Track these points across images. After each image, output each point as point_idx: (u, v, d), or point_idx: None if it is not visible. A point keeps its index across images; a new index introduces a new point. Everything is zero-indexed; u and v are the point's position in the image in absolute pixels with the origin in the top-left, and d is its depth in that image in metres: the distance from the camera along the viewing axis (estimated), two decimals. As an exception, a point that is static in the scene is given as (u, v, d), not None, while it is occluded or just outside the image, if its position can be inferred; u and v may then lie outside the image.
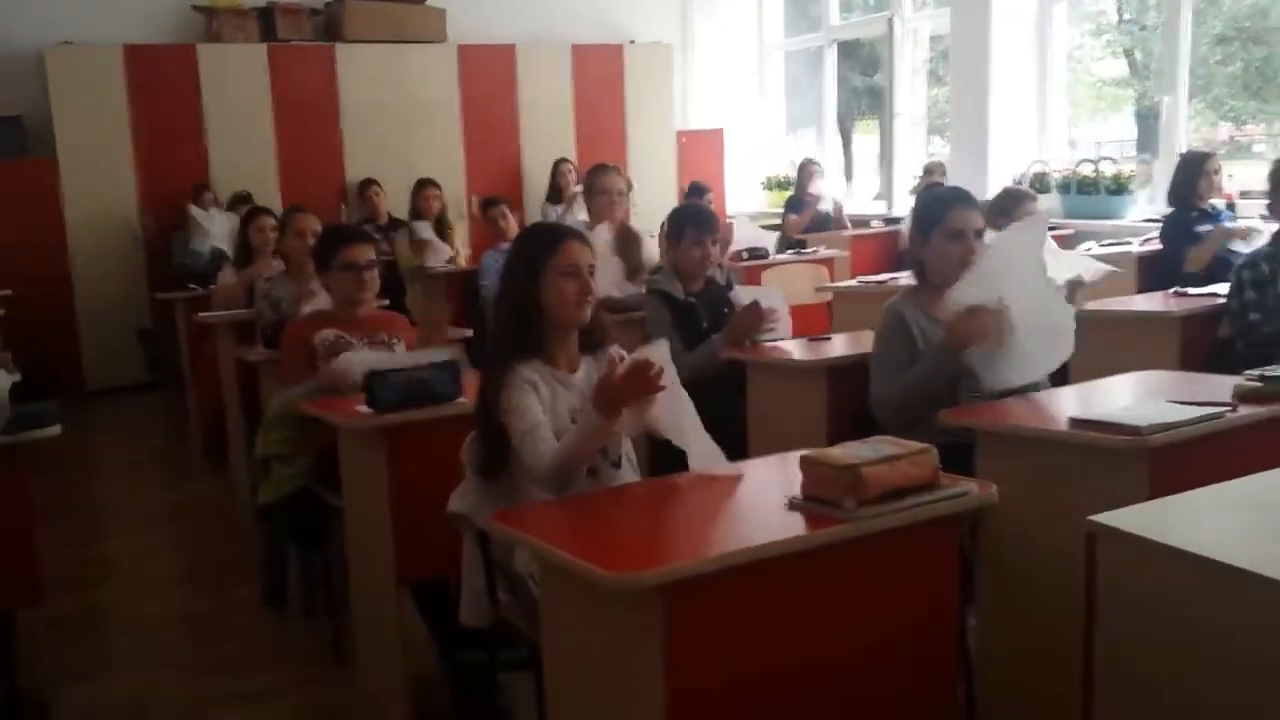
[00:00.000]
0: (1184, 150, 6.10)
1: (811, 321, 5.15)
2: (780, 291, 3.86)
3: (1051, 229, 5.67)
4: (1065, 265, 3.72)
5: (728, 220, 6.71)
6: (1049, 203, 6.61)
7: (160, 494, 5.45)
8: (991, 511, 2.25)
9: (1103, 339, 3.77)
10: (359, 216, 7.82)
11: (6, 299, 6.03)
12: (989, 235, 3.02)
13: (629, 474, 2.48)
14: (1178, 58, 6.65)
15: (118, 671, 3.36)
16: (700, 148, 9.49)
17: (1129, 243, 5.60)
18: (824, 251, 6.58)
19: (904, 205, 7.83)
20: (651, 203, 7.85)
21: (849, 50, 9.63)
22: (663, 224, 4.33)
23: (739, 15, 9.83)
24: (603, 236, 4.47)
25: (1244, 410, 2.41)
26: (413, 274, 6.48)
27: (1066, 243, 5.85)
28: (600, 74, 9.07)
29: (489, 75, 8.64)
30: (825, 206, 7.79)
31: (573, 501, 2.24)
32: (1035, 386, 2.84)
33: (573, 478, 2.28)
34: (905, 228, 6.82)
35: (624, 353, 2.48)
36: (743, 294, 3.79)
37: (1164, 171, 6.58)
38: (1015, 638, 2.52)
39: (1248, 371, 2.55)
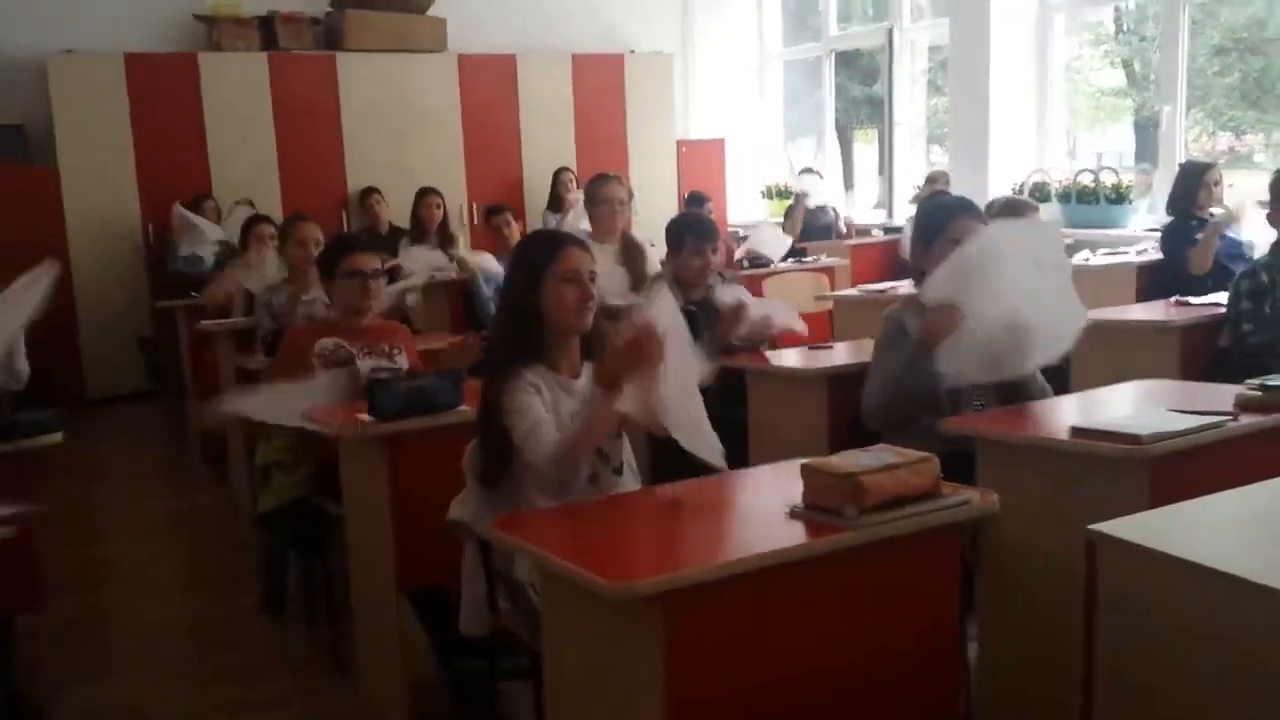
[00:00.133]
0: (1183, 160, 6.11)
1: (812, 330, 5.15)
2: (787, 305, 3.85)
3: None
4: None
5: (737, 230, 6.75)
6: (1049, 212, 6.62)
7: (161, 502, 5.45)
8: (992, 520, 2.26)
9: (1103, 348, 3.77)
10: (360, 225, 7.84)
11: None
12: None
13: (630, 481, 2.48)
14: (1176, 68, 6.66)
15: (117, 677, 3.36)
16: (700, 157, 9.51)
17: (1126, 252, 5.61)
18: (824, 260, 6.59)
19: (904, 214, 7.84)
20: (652, 212, 7.86)
21: (848, 60, 9.66)
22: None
23: (738, 25, 9.86)
24: (607, 248, 4.48)
25: (1245, 419, 2.41)
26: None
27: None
28: (601, 83, 9.09)
29: (489, 85, 8.66)
30: (827, 216, 7.81)
31: (573, 509, 2.24)
32: (1039, 393, 2.84)
33: (575, 470, 2.25)
34: (906, 236, 6.85)
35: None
36: (723, 294, 3.78)
37: (1163, 181, 6.59)
38: (1016, 646, 2.52)
39: (1249, 380, 2.56)
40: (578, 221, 6.12)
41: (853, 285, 6.11)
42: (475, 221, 8.33)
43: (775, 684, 1.85)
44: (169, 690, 3.25)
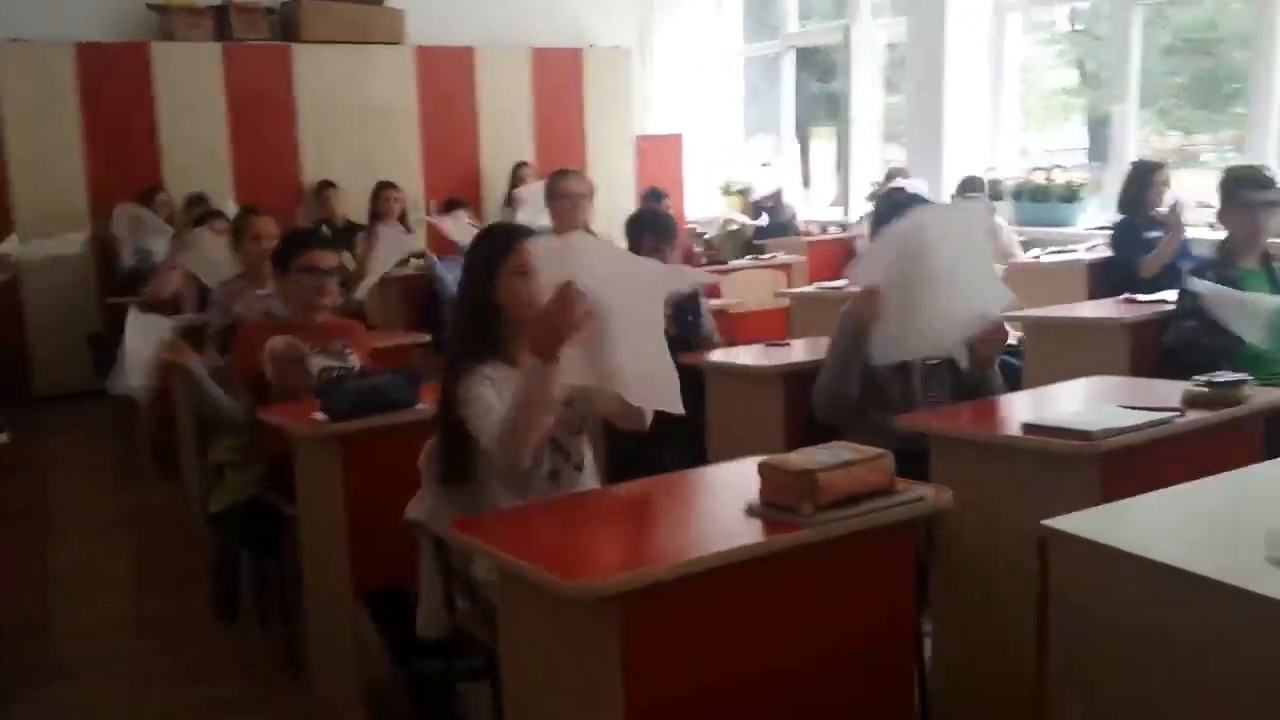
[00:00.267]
0: (1134, 159, 6.22)
1: (770, 327, 5.19)
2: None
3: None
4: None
5: (694, 226, 6.77)
6: (1003, 210, 6.70)
7: (111, 500, 5.36)
8: (946, 516, 2.28)
9: (1054, 345, 3.83)
10: (314, 218, 7.75)
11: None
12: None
13: (590, 479, 2.48)
14: (1127, 68, 6.77)
15: (70, 679, 3.30)
16: (659, 153, 9.50)
17: (1076, 249, 5.70)
18: (782, 257, 6.62)
19: (860, 211, 7.89)
20: (610, 207, 7.83)
21: (807, 57, 9.70)
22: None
23: (698, 21, 9.86)
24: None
25: (1192, 415, 2.46)
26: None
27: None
28: (559, 77, 9.06)
29: (448, 77, 8.60)
30: (784, 212, 7.85)
31: (531, 509, 2.24)
32: (991, 389, 2.88)
33: (523, 453, 2.22)
34: (864, 231, 6.89)
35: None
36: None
37: (1114, 180, 6.70)
38: (970, 642, 2.54)
39: (1196, 377, 2.60)
40: (536, 217, 6.11)
41: (810, 282, 6.15)
42: (432, 215, 8.27)
43: (733, 682, 1.86)
44: (121, 693, 3.20)
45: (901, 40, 8.01)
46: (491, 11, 8.86)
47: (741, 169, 9.22)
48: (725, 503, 2.05)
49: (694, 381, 3.61)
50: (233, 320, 4.07)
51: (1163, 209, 5.10)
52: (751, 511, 1.96)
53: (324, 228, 7.03)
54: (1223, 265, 3.83)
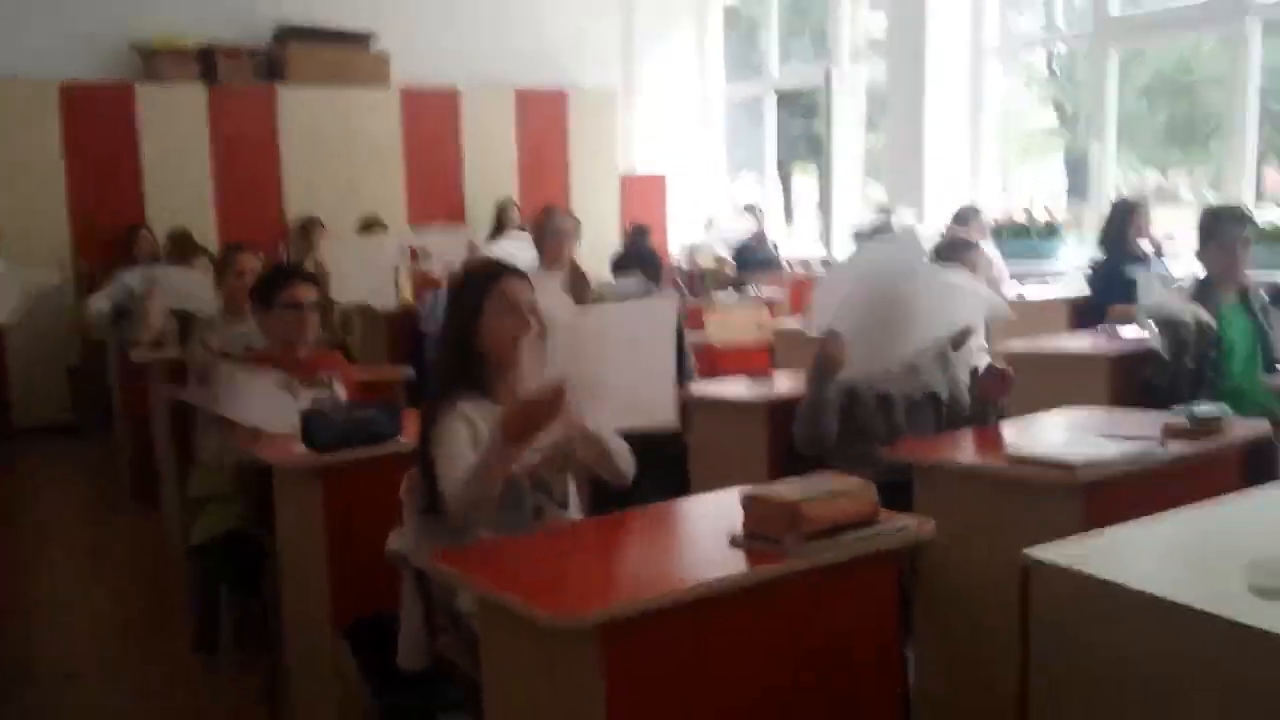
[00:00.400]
0: (1114, 197, 6.29)
1: (753, 361, 5.18)
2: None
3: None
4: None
5: (679, 264, 6.81)
6: (985, 247, 6.75)
7: (91, 533, 5.31)
8: (929, 546, 2.28)
9: (1035, 378, 3.84)
10: (299, 256, 7.75)
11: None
12: None
13: (574, 514, 2.47)
14: (1104, 109, 6.87)
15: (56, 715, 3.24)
16: (643, 192, 9.56)
17: (1057, 285, 5.74)
18: (765, 293, 6.65)
19: (842, 249, 7.94)
20: (595, 246, 7.87)
21: (788, 98, 9.81)
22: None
23: (680, 63, 9.97)
24: (556, 279, 4.50)
25: (1172, 446, 2.47)
26: (355, 313, 6.42)
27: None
28: (544, 119, 9.12)
29: (433, 118, 8.65)
30: (767, 249, 7.90)
31: (513, 541, 2.22)
32: (985, 418, 2.90)
33: (481, 505, 2.21)
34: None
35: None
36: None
37: (1093, 217, 6.77)
38: (953, 671, 2.54)
39: (1175, 408, 2.62)
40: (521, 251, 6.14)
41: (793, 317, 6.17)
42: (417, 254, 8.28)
43: (717, 713, 1.84)
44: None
45: (881, 81, 8.11)
46: (476, 54, 8.94)
47: (724, 209, 9.28)
48: (708, 533, 2.05)
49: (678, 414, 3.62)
50: (214, 355, 4.06)
51: (1145, 246, 5.15)
52: (735, 542, 1.95)
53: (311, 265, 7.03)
54: (1203, 300, 3.87)
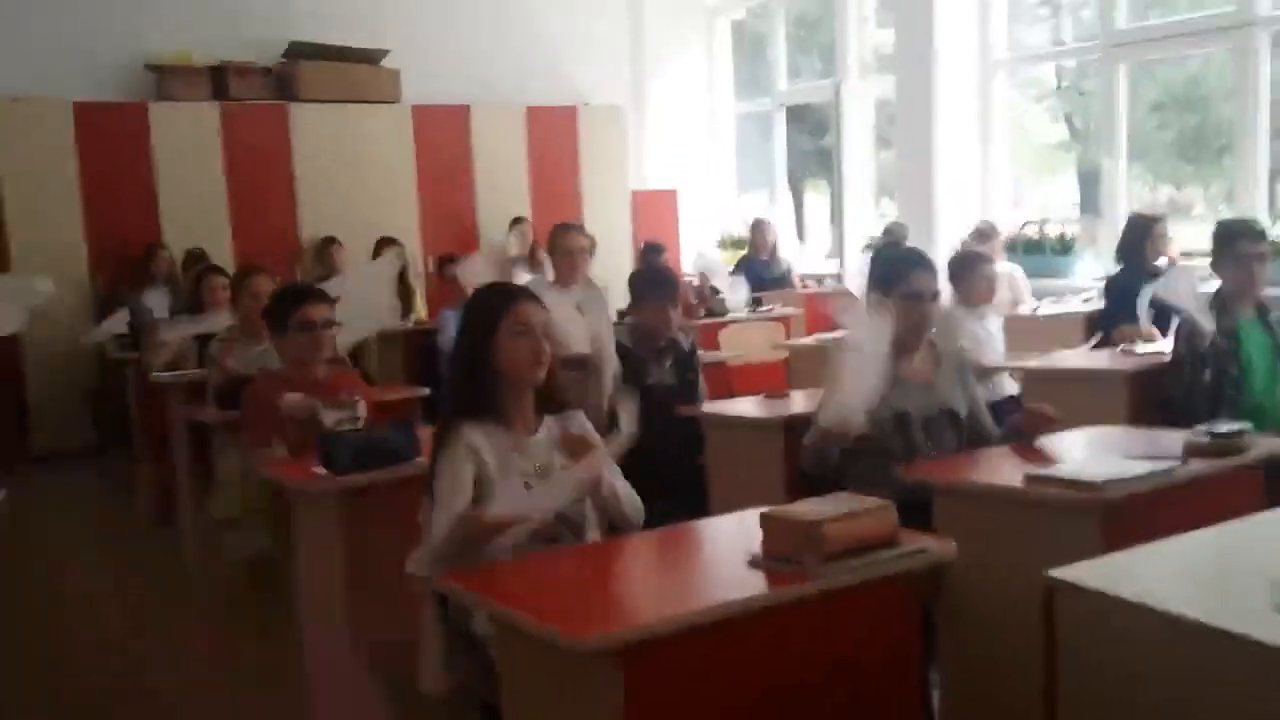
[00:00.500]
0: (1126, 211, 6.28)
1: (768, 379, 5.19)
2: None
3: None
4: None
5: (691, 280, 6.81)
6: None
7: (110, 558, 5.31)
8: (950, 567, 2.27)
9: (1052, 395, 3.83)
10: (316, 274, 7.78)
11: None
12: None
13: (592, 535, 2.46)
14: (1115, 123, 6.87)
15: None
16: (655, 207, 9.59)
17: (1072, 301, 5.73)
18: (780, 310, 6.66)
19: (854, 264, 7.94)
20: (608, 261, 7.89)
21: (798, 113, 9.83)
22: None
23: (690, 79, 10.01)
24: (570, 294, 4.51)
25: (1193, 465, 2.46)
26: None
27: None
28: (554, 135, 9.16)
29: (444, 135, 8.69)
30: (780, 266, 7.90)
31: (531, 561, 2.22)
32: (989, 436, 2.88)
33: (446, 563, 2.21)
34: (857, 285, 6.92)
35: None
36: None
37: (1107, 232, 6.77)
38: (978, 693, 2.52)
39: (1196, 427, 2.61)
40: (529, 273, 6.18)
41: (807, 334, 6.17)
42: (430, 271, 8.32)
43: (737, 735, 1.84)
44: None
45: (891, 97, 8.13)
46: (487, 71, 8.98)
47: (742, 228, 9.29)
48: (728, 554, 2.05)
49: (695, 434, 3.62)
50: (230, 376, 4.07)
51: (1161, 261, 5.13)
52: (754, 563, 1.95)
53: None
54: (1219, 315, 3.85)
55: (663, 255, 7.45)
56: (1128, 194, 6.98)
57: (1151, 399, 3.82)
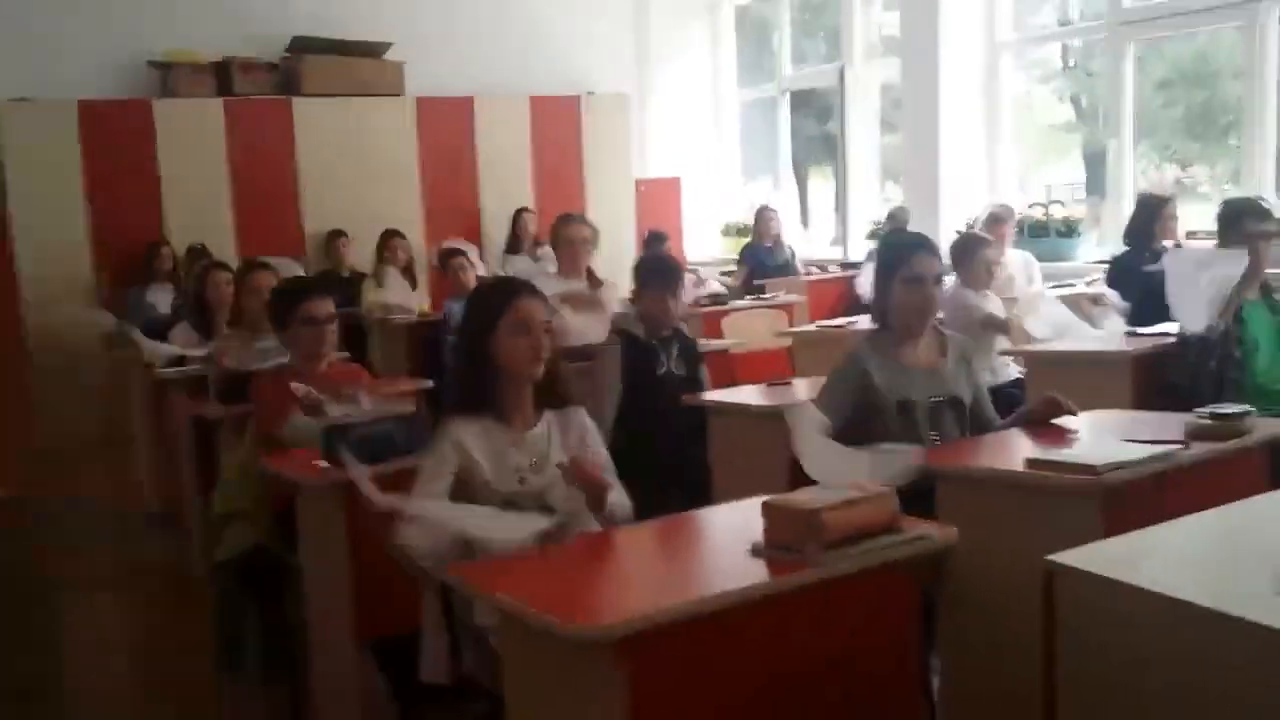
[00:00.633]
0: (1132, 193, 6.24)
1: (772, 367, 5.19)
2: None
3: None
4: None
5: (696, 269, 6.82)
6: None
7: (113, 554, 5.33)
8: (952, 553, 2.27)
9: (1057, 378, 3.82)
10: (322, 268, 7.80)
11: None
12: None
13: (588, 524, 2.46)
14: (1122, 103, 6.82)
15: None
16: (658, 196, 9.57)
17: (1076, 284, 5.70)
18: (783, 297, 6.64)
19: (859, 250, 7.92)
20: (611, 250, 7.88)
21: (802, 99, 9.79)
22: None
23: (694, 66, 9.97)
24: (573, 282, 4.52)
25: (1196, 448, 2.45)
26: (376, 325, 6.48)
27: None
28: (558, 124, 9.14)
29: (448, 127, 8.68)
30: (784, 253, 7.88)
31: (534, 553, 2.22)
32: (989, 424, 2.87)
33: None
34: (863, 271, 6.91)
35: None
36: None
37: (1112, 214, 6.73)
38: (979, 678, 2.52)
39: (1198, 409, 2.60)
40: (545, 264, 6.17)
41: (811, 321, 6.16)
42: (433, 263, 8.32)
43: (739, 723, 1.84)
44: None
45: (896, 81, 8.09)
46: (490, 62, 8.96)
47: (746, 215, 9.28)
48: (729, 543, 2.05)
49: (698, 423, 3.62)
50: (228, 371, 4.07)
51: (1168, 242, 5.11)
52: (756, 551, 1.95)
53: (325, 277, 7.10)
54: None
55: (665, 243, 7.45)
56: (1134, 174, 6.93)
57: (1156, 382, 3.81)
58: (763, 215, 7.97)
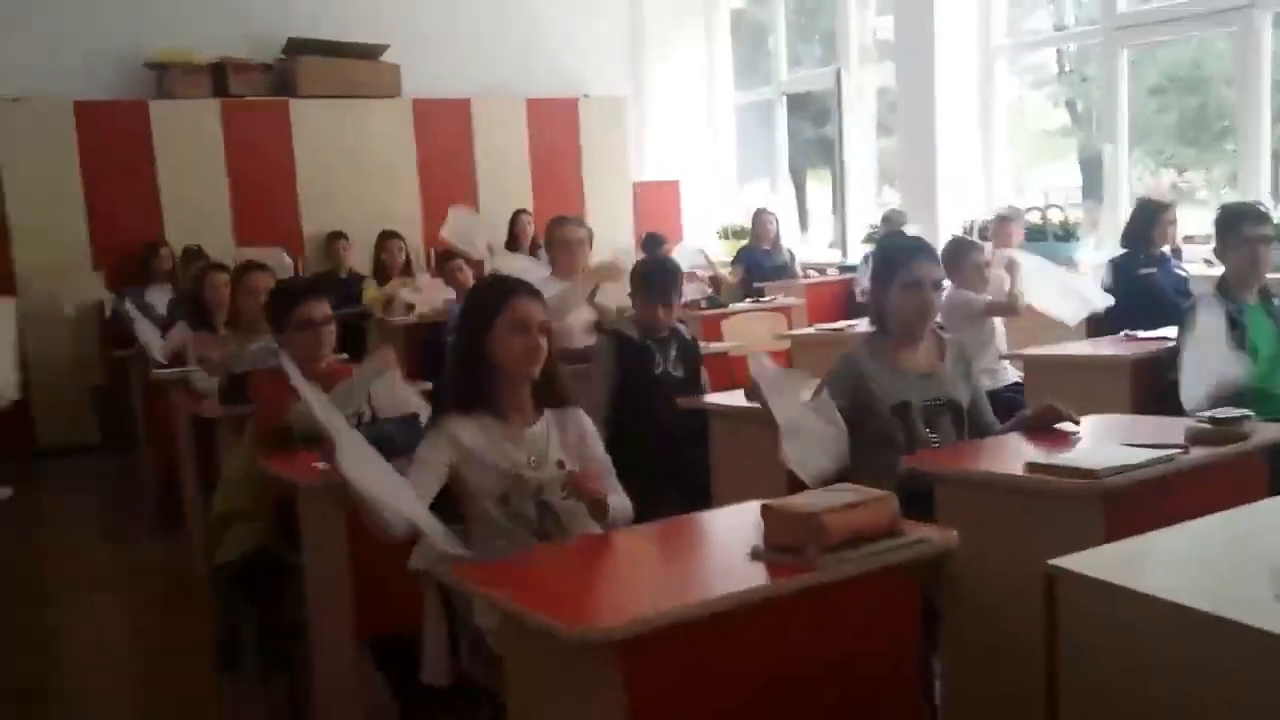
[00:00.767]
0: (1129, 196, 6.25)
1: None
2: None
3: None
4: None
5: (694, 271, 6.82)
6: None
7: (113, 555, 5.33)
8: (952, 557, 2.27)
9: (1056, 383, 3.84)
10: (321, 269, 7.81)
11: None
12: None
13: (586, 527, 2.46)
14: (1117, 107, 6.84)
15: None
16: (656, 198, 9.58)
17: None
18: (781, 300, 6.65)
19: (857, 253, 7.94)
20: (609, 252, 7.88)
21: (799, 102, 9.80)
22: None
23: (691, 69, 9.98)
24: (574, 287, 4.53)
25: (1195, 452, 2.45)
26: (375, 325, 6.48)
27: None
28: (556, 127, 9.15)
29: (445, 129, 8.69)
30: (781, 256, 7.89)
31: (533, 554, 2.23)
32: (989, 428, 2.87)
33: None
34: (861, 275, 6.92)
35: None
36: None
37: (1109, 218, 6.75)
38: (980, 683, 2.52)
39: (1198, 414, 2.60)
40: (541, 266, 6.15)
41: (809, 324, 6.17)
42: (431, 265, 8.32)
43: (740, 727, 1.84)
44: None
45: (892, 85, 8.10)
46: (487, 63, 8.97)
47: (744, 218, 9.28)
48: (729, 546, 2.05)
49: (698, 425, 3.62)
50: (233, 372, 4.06)
51: (1167, 247, 5.12)
52: (755, 555, 1.95)
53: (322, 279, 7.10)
54: (1223, 300, 3.83)
55: (663, 246, 7.45)
56: (1129, 179, 6.96)
57: (1155, 387, 3.81)
58: (760, 218, 7.97)
